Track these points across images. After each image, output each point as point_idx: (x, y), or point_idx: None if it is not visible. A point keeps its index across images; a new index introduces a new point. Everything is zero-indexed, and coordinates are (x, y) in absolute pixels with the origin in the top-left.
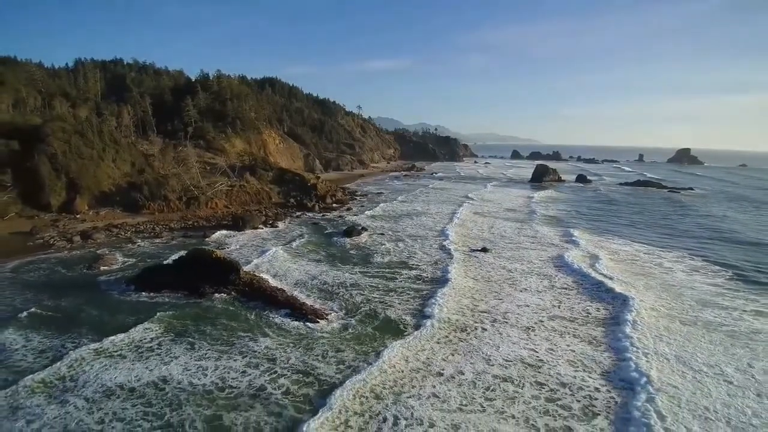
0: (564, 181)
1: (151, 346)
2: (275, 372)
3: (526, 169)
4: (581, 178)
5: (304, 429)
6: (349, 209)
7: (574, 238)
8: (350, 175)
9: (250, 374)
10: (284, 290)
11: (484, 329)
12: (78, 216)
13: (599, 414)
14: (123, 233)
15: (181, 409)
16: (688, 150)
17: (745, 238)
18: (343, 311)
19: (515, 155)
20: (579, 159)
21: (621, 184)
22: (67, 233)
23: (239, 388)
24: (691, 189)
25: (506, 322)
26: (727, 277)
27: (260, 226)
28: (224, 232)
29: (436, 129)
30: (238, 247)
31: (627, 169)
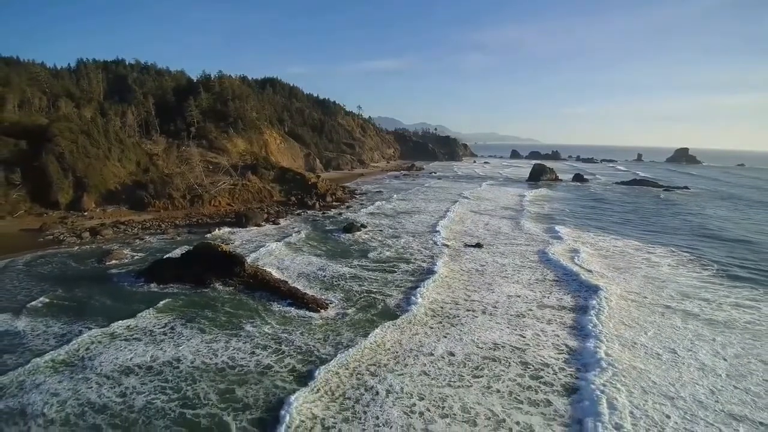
0: (561, 180)
1: (164, 331)
2: (282, 352)
3: (524, 168)
4: (578, 177)
5: (302, 401)
6: (348, 207)
7: (565, 236)
8: (350, 174)
9: (258, 354)
10: (287, 282)
11: (475, 316)
12: (85, 213)
13: (577, 390)
14: (130, 230)
15: (196, 384)
16: (686, 150)
17: (733, 236)
18: (343, 301)
19: (514, 155)
20: (578, 159)
21: (617, 183)
22: (76, 230)
23: (248, 366)
24: (687, 188)
25: (496, 310)
26: (712, 271)
27: (263, 223)
28: (228, 228)
29: (436, 129)
30: (241, 242)
31: (624, 168)
